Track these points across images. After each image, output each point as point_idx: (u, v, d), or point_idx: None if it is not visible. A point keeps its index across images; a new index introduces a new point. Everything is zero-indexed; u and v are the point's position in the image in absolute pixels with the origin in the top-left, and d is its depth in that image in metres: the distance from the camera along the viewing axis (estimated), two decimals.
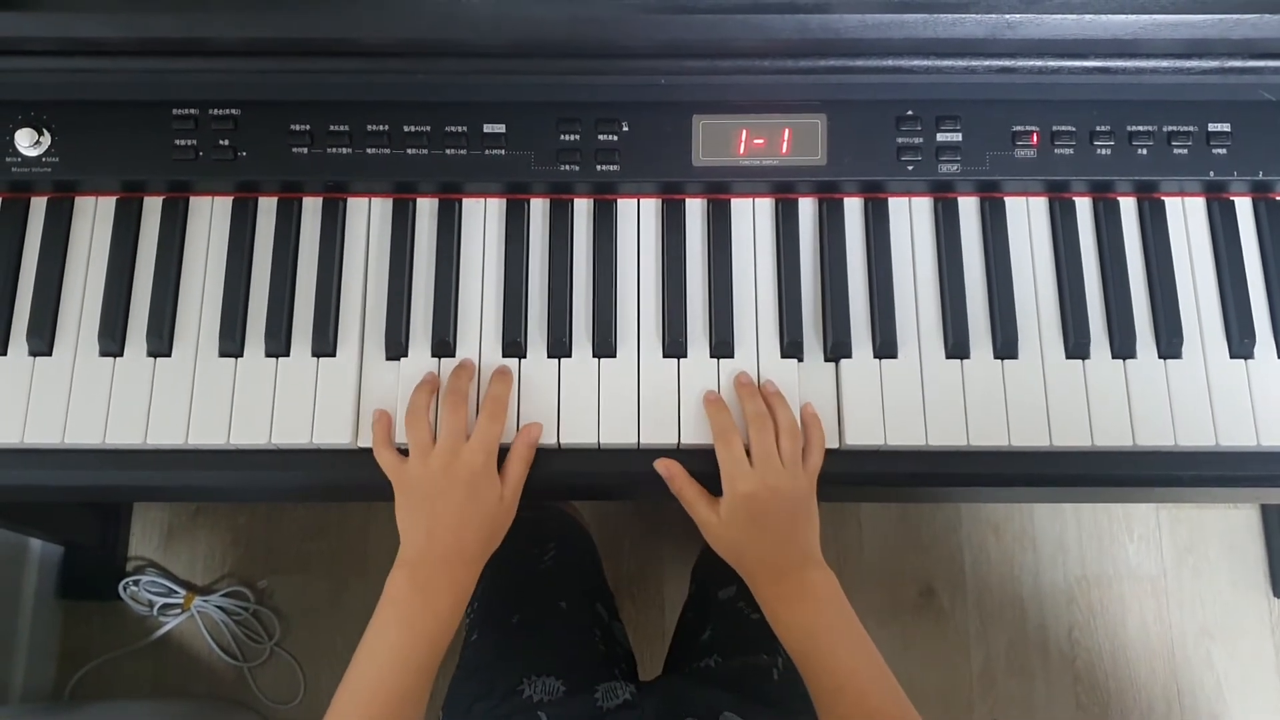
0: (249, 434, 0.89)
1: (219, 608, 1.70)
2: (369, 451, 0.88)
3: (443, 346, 0.91)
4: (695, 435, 0.89)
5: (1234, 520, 1.77)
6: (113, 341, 0.90)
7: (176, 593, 1.70)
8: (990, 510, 1.78)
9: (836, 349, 0.91)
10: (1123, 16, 0.83)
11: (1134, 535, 1.77)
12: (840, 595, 0.85)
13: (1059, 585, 1.75)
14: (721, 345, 0.91)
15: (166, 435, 0.88)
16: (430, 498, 0.85)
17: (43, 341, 0.90)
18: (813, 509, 0.87)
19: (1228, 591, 1.75)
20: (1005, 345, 0.90)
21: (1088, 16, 0.83)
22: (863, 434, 0.89)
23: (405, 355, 0.91)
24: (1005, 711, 1.70)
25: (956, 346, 0.91)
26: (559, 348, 0.91)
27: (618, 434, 0.89)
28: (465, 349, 0.91)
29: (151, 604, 1.70)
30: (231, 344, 0.90)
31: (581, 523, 1.32)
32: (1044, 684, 1.71)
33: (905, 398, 0.90)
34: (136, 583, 1.70)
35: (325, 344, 0.91)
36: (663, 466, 0.88)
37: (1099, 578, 1.75)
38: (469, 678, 1.04)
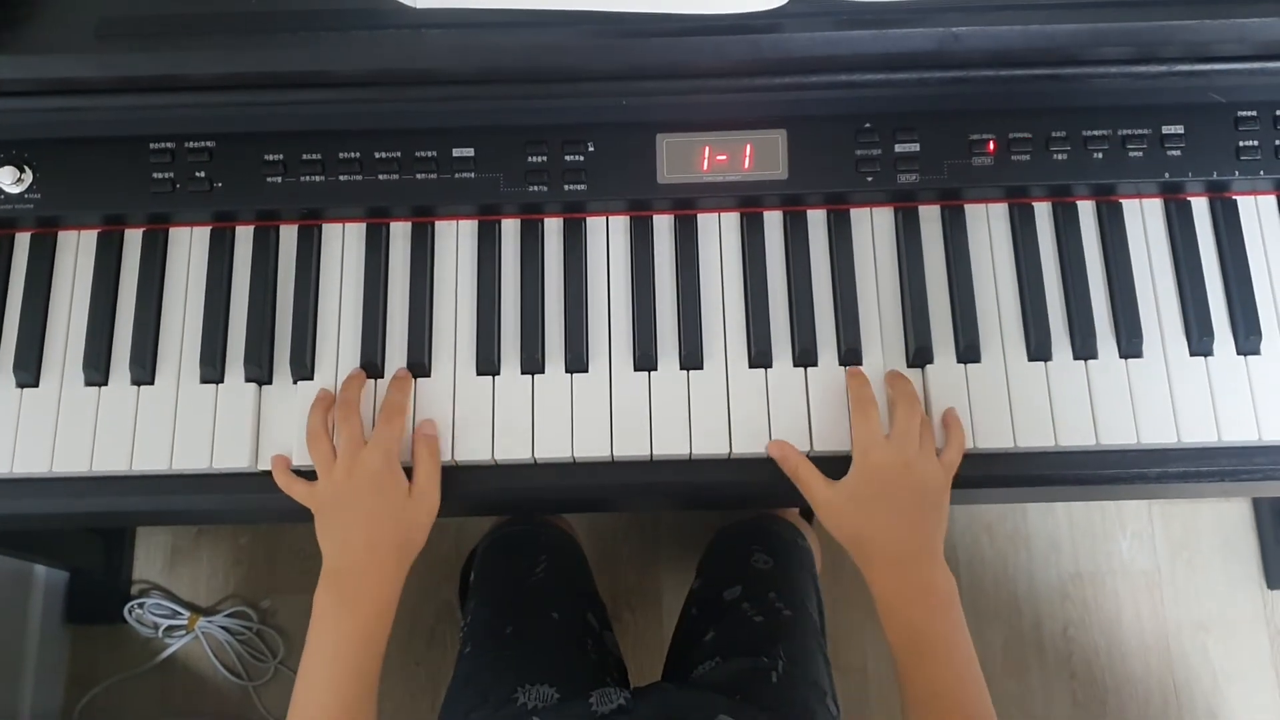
0: (233, 458, 0.91)
1: (223, 628, 1.72)
2: None
3: (418, 367, 0.93)
4: (667, 447, 0.90)
5: (1227, 514, 1.77)
6: (97, 372, 0.93)
7: (181, 614, 1.72)
8: (983, 510, 1.78)
9: (803, 357, 0.92)
10: (1066, 25, 0.84)
11: (1127, 531, 1.77)
12: (958, 603, 0.85)
13: (1053, 583, 1.75)
14: (691, 357, 0.92)
15: (151, 461, 0.90)
16: (339, 508, 0.87)
17: (29, 374, 0.93)
18: (943, 505, 0.86)
19: (1222, 585, 1.74)
20: (968, 350, 0.92)
21: (1033, 26, 0.85)
22: (830, 440, 0.90)
23: (382, 377, 0.93)
24: (1002, 710, 1.65)
25: (920, 352, 0.92)
26: (532, 364, 0.93)
27: (591, 447, 0.91)
28: (440, 368, 0.93)
29: (156, 626, 1.72)
30: (212, 371, 0.93)
31: (572, 534, 1.33)
32: (1040, 682, 1.71)
33: None
34: (141, 605, 1.72)
35: (304, 369, 0.93)
36: (775, 449, 0.89)
37: (1093, 574, 1.75)
38: (464, 688, 1.05)
